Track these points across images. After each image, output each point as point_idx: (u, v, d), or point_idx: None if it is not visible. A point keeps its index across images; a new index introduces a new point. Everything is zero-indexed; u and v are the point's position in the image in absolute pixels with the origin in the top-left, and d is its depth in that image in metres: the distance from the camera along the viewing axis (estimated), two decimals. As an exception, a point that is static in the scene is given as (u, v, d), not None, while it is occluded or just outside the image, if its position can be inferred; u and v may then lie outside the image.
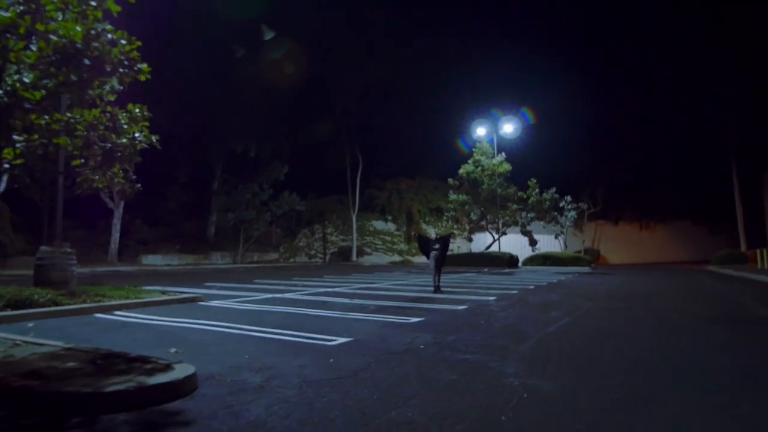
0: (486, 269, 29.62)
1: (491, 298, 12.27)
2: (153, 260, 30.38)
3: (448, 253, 14.47)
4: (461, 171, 35.05)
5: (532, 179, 35.20)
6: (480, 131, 35.60)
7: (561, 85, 42.73)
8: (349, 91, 40.83)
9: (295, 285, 16.09)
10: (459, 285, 16.48)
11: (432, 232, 14.56)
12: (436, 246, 13.70)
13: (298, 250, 44.03)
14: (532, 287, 15.90)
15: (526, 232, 35.95)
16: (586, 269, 30.01)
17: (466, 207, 35.43)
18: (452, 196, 35.45)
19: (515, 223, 35.38)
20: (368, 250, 46.26)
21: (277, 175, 35.09)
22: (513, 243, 38.18)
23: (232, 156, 36.99)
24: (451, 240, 14.62)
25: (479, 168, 34.76)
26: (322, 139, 41.86)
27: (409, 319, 8.44)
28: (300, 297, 12.24)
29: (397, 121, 45.23)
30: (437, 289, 13.40)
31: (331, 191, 46.24)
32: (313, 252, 44.86)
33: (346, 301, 11.40)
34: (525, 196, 35.36)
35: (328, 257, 44.49)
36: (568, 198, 36.40)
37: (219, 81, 34.14)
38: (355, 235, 43.42)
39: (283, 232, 44.02)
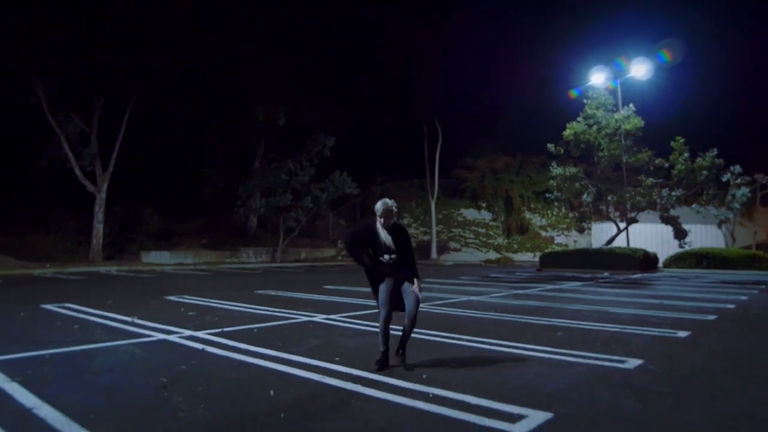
0: (606, 273, 20.25)
1: (516, 424, 3.20)
2: (157, 258, 24.25)
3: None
4: (566, 132, 24.17)
5: (679, 138, 23.44)
6: (597, 78, 24.76)
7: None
8: (423, 45, 32.03)
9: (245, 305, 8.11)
10: (518, 318, 7.33)
11: (379, 207, 4.43)
12: (388, 254, 4.76)
13: (363, 246, 36.24)
14: (683, 335, 6.33)
15: (668, 219, 24.19)
16: (775, 276, 18.89)
17: (577, 184, 24.93)
18: (555, 170, 25.01)
19: (651, 206, 23.97)
20: (456, 245, 37.07)
21: (320, 149, 27.22)
22: (649, 235, 27.23)
23: (276, 130, 30.00)
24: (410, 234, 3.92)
25: (594, 126, 23.94)
26: (388, 109, 33.60)
27: None
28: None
29: (489, 84, 35.67)
30: (384, 364, 4.63)
31: (407, 174, 37.92)
32: (385, 248, 36.76)
33: None
34: (666, 164, 23.79)
35: (404, 254, 36.10)
36: (737, 168, 24.35)
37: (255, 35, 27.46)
38: (434, 227, 34.45)
39: (347, 224, 36.50)
